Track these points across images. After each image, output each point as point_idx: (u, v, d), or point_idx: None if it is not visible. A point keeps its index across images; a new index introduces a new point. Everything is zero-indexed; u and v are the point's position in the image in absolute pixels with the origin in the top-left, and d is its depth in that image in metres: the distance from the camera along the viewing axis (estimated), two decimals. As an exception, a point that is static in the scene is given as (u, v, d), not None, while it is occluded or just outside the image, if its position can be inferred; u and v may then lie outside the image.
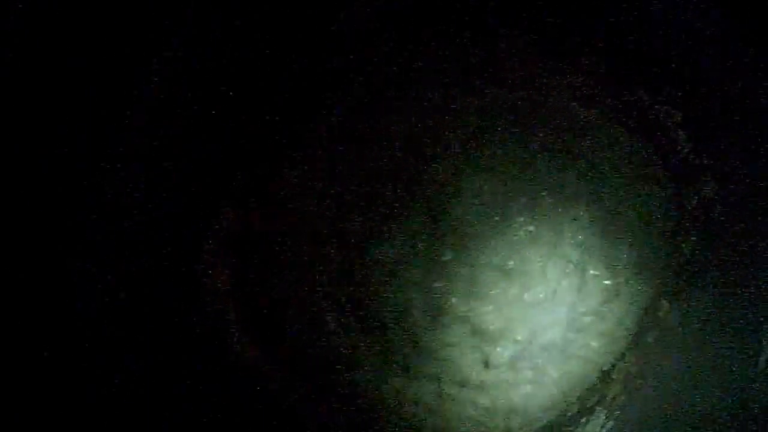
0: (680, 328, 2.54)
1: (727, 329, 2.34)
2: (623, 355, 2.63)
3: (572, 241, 2.57)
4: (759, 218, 2.32)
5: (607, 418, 2.58)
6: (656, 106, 2.53)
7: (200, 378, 2.39)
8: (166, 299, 2.35)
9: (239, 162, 2.52)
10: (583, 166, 2.58)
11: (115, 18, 2.03)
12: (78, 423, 2.12)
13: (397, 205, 2.55)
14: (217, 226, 2.52)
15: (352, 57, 2.61)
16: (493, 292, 2.54)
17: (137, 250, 2.28)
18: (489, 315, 2.54)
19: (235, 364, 2.54)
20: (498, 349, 2.56)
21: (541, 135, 2.57)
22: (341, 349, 2.55)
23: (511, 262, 2.54)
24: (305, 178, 2.57)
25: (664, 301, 2.62)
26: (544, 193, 2.55)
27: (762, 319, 2.24)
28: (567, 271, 2.56)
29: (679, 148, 2.53)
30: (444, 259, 2.54)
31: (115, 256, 2.22)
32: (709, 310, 2.45)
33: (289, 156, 2.58)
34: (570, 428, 2.61)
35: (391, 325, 2.55)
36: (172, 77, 2.26)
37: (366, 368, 2.56)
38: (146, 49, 2.16)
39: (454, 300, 2.54)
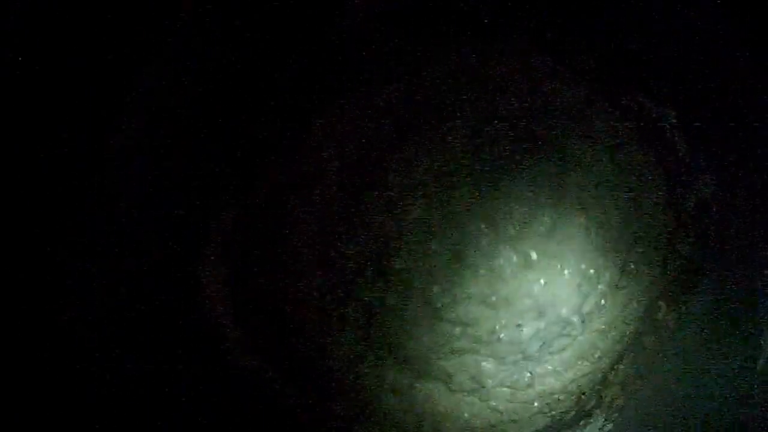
0: (678, 331, 2.54)
1: (726, 331, 2.34)
2: (621, 357, 2.63)
3: (568, 244, 2.56)
4: (757, 220, 2.31)
5: (605, 421, 2.58)
6: (653, 108, 2.53)
7: (199, 379, 2.40)
8: (164, 301, 2.35)
9: (238, 163, 2.52)
10: (579, 167, 2.57)
11: (115, 18, 2.03)
12: (77, 423, 2.13)
13: (397, 205, 2.55)
14: (215, 228, 2.52)
15: (351, 57, 2.61)
16: (488, 294, 2.53)
17: (136, 251, 2.29)
18: (486, 318, 2.54)
19: (233, 366, 2.54)
20: (496, 352, 2.56)
21: (538, 136, 2.57)
22: (340, 351, 2.55)
23: (505, 264, 2.54)
24: (304, 180, 2.57)
25: (662, 304, 2.61)
26: (540, 195, 2.55)
27: (760, 321, 2.24)
28: (563, 274, 2.56)
29: (677, 149, 2.53)
30: (443, 260, 2.54)
31: (114, 257, 2.23)
32: (707, 313, 2.46)
33: (289, 157, 2.58)
34: (568, 431, 2.62)
35: (390, 327, 2.55)
36: (172, 77, 2.26)
37: (365, 371, 2.57)
38: (146, 49, 2.16)
39: (452, 302, 2.53)
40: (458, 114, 2.61)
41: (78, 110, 2.06)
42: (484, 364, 2.57)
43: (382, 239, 2.54)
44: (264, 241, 2.56)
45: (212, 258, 2.52)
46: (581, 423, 2.61)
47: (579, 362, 2.61)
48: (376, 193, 2.55)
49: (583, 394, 2.61)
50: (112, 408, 2.17)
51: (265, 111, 2.53)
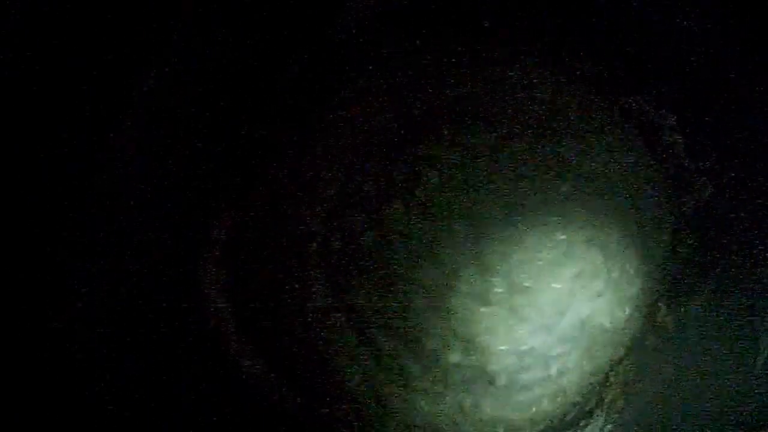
0: (678, 332, 2.55)
1: (725, 333, 2.35)
2: (621, 358, 2.63)
3: (567, 246, 2.57)
4: (756, 222, 2.33)
5: (605, 422, 2.59)
6: (652, 110, 2.54)
7: (200, 381, 2.40)
8: (165, 302, 2.35)
9: (238, 164, 2.52)
10: (578, 170, 2.58)
11: (115, 18, 2.02)
12: (77, 423, 2.13)
13: (395, 208, 2.55)
14: (216, 229, 2.52)
15: (352, 57, 2.61)
16: (488, 296, 2.54)
17: (137, 252, 2.28)
18: (485, 320, 2.54)
19: (234, 367, 2.54)
20: (496, 355, 2.56)
21: (536, 140, 2.57)
22: (340, 355, 2.55)
23: (503, 268, 2.54)
24: (305, 180, 2.57)
25: (661, 305, 2.62)
26: (538, 198, 2.55)
27: (759, 323, 2.25)
28: (563, 275, 2.56)
29: (676, 151, 2.54)
30: (441, 263, 2.54)
31: (114, 258, 2.22)
32: (706, 314, 2.47)
33: (289, 158, 2.58)
34: (568, 432, 2.63)
35: (389, 330, 2.55)
36: (172, 78, 2.25)
37: (364, 374, 2.57)
38: (146, 50, 2.16)
39: (453, 304, 2.54)
40: (459, 114, 2.61)
41: (78, 110, 2.06)
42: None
43: (384, 239, 2.54)
44: (265, 243, 2.56)
45: (213, 259, 2.52)
46: (581, 423, 2.62)
47: (579, 364, 2.62)
48: (378, 195, 2.55)
49: (584, 395, 2.62)
50: (113, 409, 2.17)
51: (265, 111, 2.53)
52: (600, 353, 2.62)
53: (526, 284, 2.52)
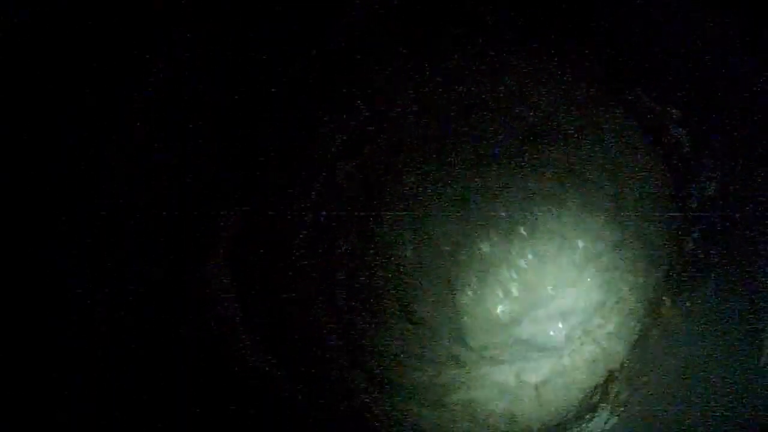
0: (682, 326, 2.56)
1: (729, 326, 2.36)
2: (627, 352, 2.65)
3: (574, 242, 2.57)
4: (760, 215, 2.33)
5: (610, 414, 2.61)
6: (656, 106, 2.54)
7: (208, 380, 2.39)
8: (173, 303, 2.34)
9: (244, 164, 2.51)
10: (583, 165, 2.58)
11: (116, 18, 2.03)
12: (80, 423, 2.12)
13: (402, 203, 2.56)
14: (222, 229, 2.51)
15: (353, 57, 2.61)
16: (496, 292, 2.54)
17: (145, 254, 2.28)
18: (492, 315, 2.55)
19: (242, 364, 2.53)
20: (502, 349, 2.57)
21: (540, 137, 2.57)
22: (344, 352, 2.56)
23: (513, 263, 2.55)
24: (308, 179, 2.57)
25: (666, 299, 2.63)
26: (544, 194, 2.55)
27: (762, 317, 2.25)
28: (570, 270, 2.57)
29: (680, 147, 2.54)
30: (443, 262, 2.55)
31: (123, 261, 2.21)
32: (710, 308, 2.47)
33: (293, 157, 2.58)
34: (575, 425, 2.64)
35: (390, 329, 2.56)
36: (174, 78, 2.25)
37: (368, 371, 2.58)
38: (149, 52, 2.16)
39: (456, 300, 2.54)
40: (457, 114, 2.61)
41: (82, 111, 2.06)
42: None
43: (388, 237, 2.55)
44: (270, 242, 2.55)
45: (219, 258, 2.51)
46: (587, 417, 2.63)
47: (585, 358, 2.62)
48: (382, 191, 2.56)
49: (590, 388, 2.62)
50: (120, 408, 2.16)
51: (268, 112, 2.52)
52: (605, 347, 2.63)
53: (529, 277, 2.55)
